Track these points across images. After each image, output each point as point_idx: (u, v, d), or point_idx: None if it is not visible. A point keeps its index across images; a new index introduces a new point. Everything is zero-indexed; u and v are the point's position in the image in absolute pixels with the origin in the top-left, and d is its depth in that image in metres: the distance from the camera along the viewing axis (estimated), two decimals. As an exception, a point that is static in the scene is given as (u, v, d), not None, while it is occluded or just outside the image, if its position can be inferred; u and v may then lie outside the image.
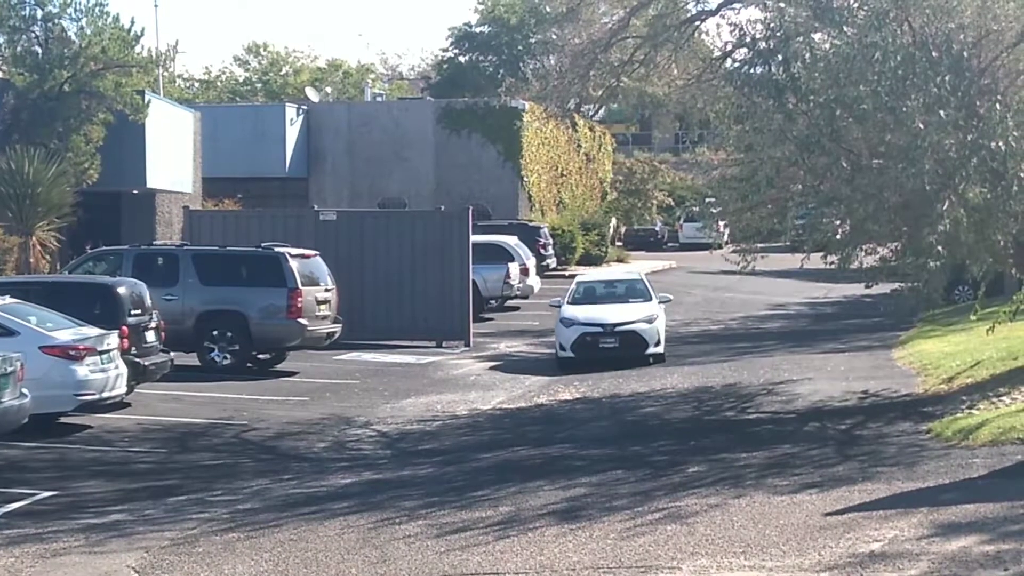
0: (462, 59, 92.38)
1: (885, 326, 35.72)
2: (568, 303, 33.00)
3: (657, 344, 31.72)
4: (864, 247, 24.71)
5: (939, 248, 22.08)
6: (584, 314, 32.09)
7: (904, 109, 21.86)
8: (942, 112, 21.81)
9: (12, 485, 18.92)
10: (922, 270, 22.88)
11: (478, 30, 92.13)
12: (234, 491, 18.79)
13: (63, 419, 23.36)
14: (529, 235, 51.80)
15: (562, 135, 68.31)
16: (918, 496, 16.62)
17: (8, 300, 23.61)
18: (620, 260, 65.91)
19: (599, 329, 31.59)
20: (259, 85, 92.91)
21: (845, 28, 23.55)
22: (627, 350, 31.37)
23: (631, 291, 34.13)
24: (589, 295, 34.05)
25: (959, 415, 21.61)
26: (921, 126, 21.59)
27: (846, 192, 23.16)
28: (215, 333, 30.71)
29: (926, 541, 14.33)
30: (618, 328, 31.58)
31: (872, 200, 23.00)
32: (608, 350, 31.44)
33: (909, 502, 16.25)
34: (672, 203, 78.58)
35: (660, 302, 33.08)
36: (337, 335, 32.14)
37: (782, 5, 24.20)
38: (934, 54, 22.21)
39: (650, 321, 31.81)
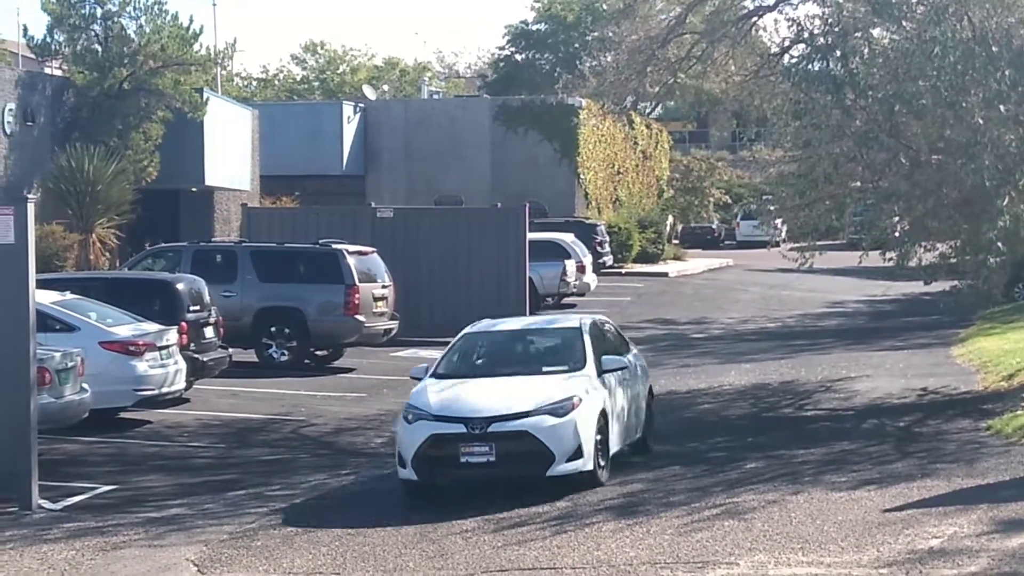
0: (518, 57, 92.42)
1: (944, 323, 35.50)
2: (433, 376, 18.87)
3: (576, 456, 17.41)
4: (923, 244, 24.59)
5: (999, 244, 21.99)
6: (442, 398, 17.96)
7: (964, 104, 21.76)
8: (1002, 107, 21.70)
9: (73, 479, 19.09)
10: (982, 267, 22.78)
11: (534, 28, 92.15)
12: (292, 486, 18.88)
13: (123, 414, 23.53)
14: (586, 233, 51.66)
15: (619, 132, 68.16)
16: (978, 493, 16.53)
17: (68, 296, 23.80)
18: (677, 258, 65.75)
19: (460, 428, 17.37)
20: (316, 83, 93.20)
21: (904, 23, 23.46)
22: (512, 467, 17.48)
23: (556, 351, 19.53)
24: (477, 359, 19.54)
25: (1019, 412, 21.44)
26: (981, 121, 21.49)
27: (905, 188, 23.07)
28: (273, 329, 30.81)
29: (986, 538, 14.26)
30: (495, 427, 17.34)
31: (931, 196, 22.91)
32: (477, 467, 17.45)
33: (969, 499, 16.18)
34: (729, 201, 78.40)
35: (610, 370, 18.90)
36: (394, 332, 32.21)
37: (840, 0, 24.10)
38: (994, 49, 22.08)
39: (561, 412, 17.49)
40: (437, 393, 18.11)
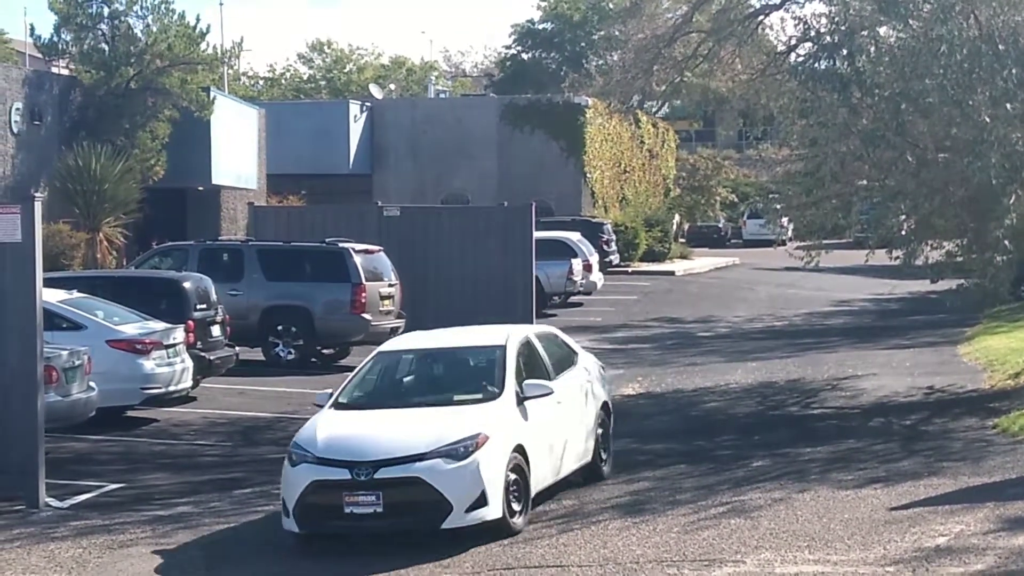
0: (525, 56, 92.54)
1: (950, 322, 35.48)
2: (333, 405, 16.65)
3: (479, 504, 15.10)
4: (929, 242, 24.59)
5: (1005, 242, 22.00)
6: (329, 437, 15.62)
7: (970, 103, 21.75)
8: (1009, 105, 21.70)
9: (80, 477, 19.12)
10: (988, 265, 22.78)
11: (541, 27, 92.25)
12: (299, 484, 18.86)
13: (130, 412, 23.55)
14: (592, 231, 51.65)
15: (625, 131, 68.19)
16: (984, 491, 16.53)
17: (75, 295, 23.84)
18: (683, 256, 65.72)
19: (344, 474, 15.12)
20: (323, 82, 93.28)
21: (911, 21, 23.45)
22: (403, 519, 15.14)
23: (472, 375, 17.24)
24: (385, 386, 17.35)
25: (1026, 410, 21.46)
26: (987, 120, 21.48)
27: (911, 186, 23.07)
28: (280, 328, 30.85)
29: (992, 536, 14.28)
30: (384, 472, 15.05)
31: (938, 194, 22.92)
32: (363, 519, 15.07)
33: (975, 497, 16.18)
34: (735, 199, 78.40)
35: (533, 396, 16.45)
36: (400, 330, 32.16)
37: (847, -1, 24.13)
38: (1001, 47, 22.07)
39: (462, 453, 15.16)
40: (327, 429, 15.77)
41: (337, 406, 16.49)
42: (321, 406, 16.69)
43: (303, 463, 15.32)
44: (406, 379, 17.48)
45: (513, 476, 15.47)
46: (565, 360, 18.33)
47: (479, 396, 16.32)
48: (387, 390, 17.18)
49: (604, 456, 18.42)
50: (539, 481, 16.25)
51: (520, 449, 15.71)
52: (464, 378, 17.20)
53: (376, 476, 14.96)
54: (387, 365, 17.50)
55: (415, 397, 16.84)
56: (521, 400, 16.27)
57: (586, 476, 17.93)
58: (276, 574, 14.83)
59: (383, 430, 15.60)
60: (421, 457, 15.04)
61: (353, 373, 17.30)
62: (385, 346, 18.08)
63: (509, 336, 17.38)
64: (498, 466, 15.25)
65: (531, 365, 17.21)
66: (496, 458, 15.27)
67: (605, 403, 18.83)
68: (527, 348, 17.46)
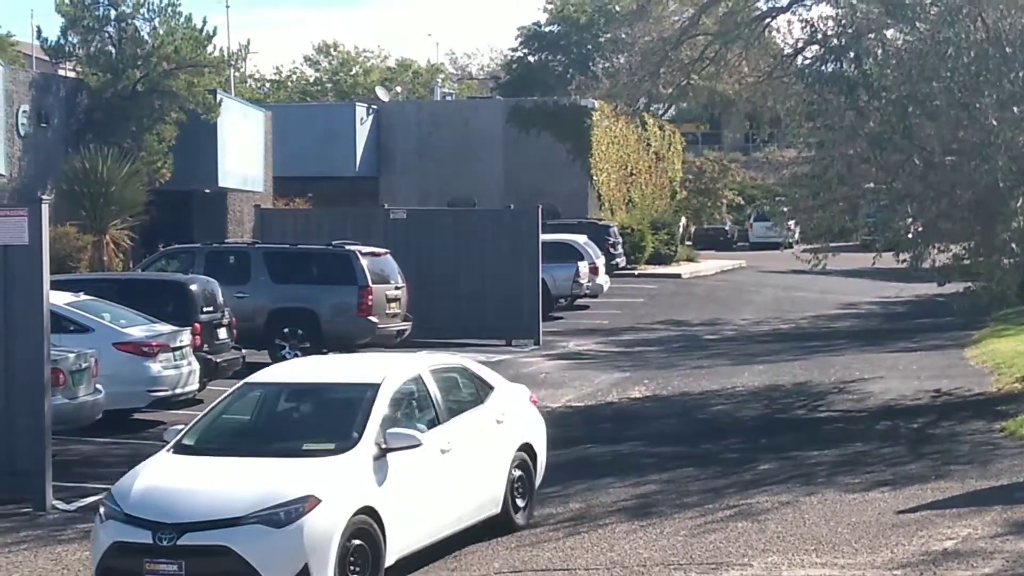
0: (531, 58, 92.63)
1: (957, 325, 35.45)
2: (175, 447, 14.27)
3: None
4: (936, 245, 24.59)
5: (1013, 246, 21.99)
6: (144, 489, 13.36)
7: (977, 105, 21.76)
8: (1016, 108, 21.72)
9: (86, 480, 19.10)
10: (995, 268, 22.79)
11: (547, 29, 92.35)
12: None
13: (136, 415, 23.56)
14: (598, 234, 51.66)
15: (632, 134, 68.19)
16: (992, 494, 16.53)
17: (82, 297, 23.85)
18: (690, 259, 65.74)
19: (147, 537, 12.94)
20: (329, 85, 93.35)
21: (918, 24, 23.50)
22: None
23: (331, 419, 14.68)
24: (238, 425, 15.00)
25: (1033, 414, 21.45)
26: (994, 123, 21.49)
27: (918, 189, 23.08)
28: (286, 331, 30.83)
29: (1000, 539, 14.27)
30: (188, 538, 12.84)
31: (945, 197, 22.92)
32: None
33: (983, 500, 16.18)
34: (742, 202, 78.37)
35: (397, 448, 13.86)
36: (407, 333, 32.22)
37: (854, 1, 24.18)
38: (1008, 50, 22.10)
39: (283, 519, 12.82)
40: (147, 479, 13.50)
41: (179, 448, 14.22)
42: (167, 443, 14.44)
43: (112, 519, 13.25)
44: (262, 419, 15.00)
45: (356, 542, 13.12)
46: (470, 398, 15.92)
47: (331, 446, 13.81)
48: (238, 432, 14.83)
49: (521, 504, 15.95)
50: (403, 546, 13.84)
51: (369, 511, 13.32)
52: (323, 422, 14.73)
53: (180, 542, 12.78)
54: (248, 400, 15.11)
55: (264, 443, 14.35)
56: (383, 452, 13.79)
57: (495, 529, 15.53)
58: None
59: (205, 485, 13.29)
60: (235, 522, 12.78)
61: (208, 408, 15.14)
62: (252, 377, 15.59)
63: (388, 375, 14.77)
64: (330, 534, 12.87)
65: (419, 406, 15.05)
66: (328, 525, 12.89)
67: (527, 444, 16.32)
68: (415, 386, 15.07)
